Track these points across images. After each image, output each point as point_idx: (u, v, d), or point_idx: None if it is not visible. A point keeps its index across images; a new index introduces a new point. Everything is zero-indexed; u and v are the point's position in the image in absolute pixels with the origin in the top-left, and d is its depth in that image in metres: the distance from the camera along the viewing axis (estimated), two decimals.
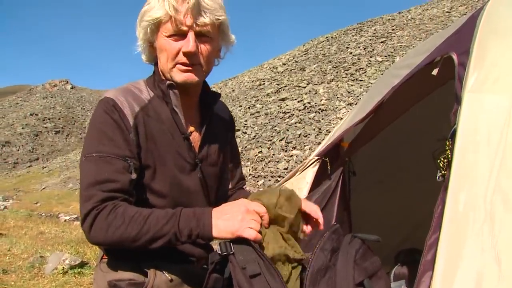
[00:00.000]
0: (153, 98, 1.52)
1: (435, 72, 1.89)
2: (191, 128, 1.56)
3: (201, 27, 1.42)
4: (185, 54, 1.43)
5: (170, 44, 1.43)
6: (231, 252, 1.26)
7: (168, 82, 1.49)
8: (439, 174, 1.49)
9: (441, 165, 1.49)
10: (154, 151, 1.46)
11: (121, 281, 1.46)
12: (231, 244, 1.27)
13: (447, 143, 1.47)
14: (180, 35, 1.42)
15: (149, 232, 1.30)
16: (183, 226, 1.30)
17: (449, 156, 1.44)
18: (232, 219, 1.29)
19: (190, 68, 1.46)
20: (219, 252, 1.27)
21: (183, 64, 1.45)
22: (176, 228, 1.30)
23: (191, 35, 1.42)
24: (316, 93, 20.03)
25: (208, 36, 1.46)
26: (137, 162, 1.42)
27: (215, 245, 1.38)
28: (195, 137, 1.57)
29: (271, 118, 18.74)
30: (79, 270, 5.11)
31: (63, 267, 5.04)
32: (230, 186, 1.83)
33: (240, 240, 1.28)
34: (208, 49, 1.47)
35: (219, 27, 1.50)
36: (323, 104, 18.39)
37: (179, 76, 1.46)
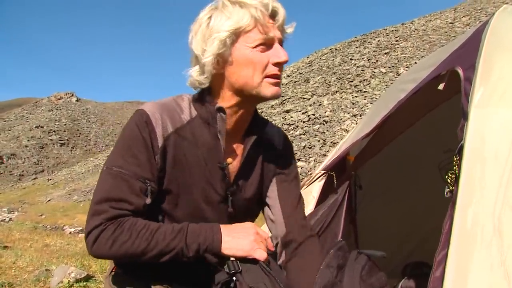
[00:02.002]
0: (195, 118, 1.42)
1: (441, 86, 1.89)
2: (229, 160, 1.44)
3: (285, 36, 1.37)
4: (277, 64, 1.34)
5: (258, 55, 1.32)
6: (239, 271, 1.26)
7: (217, 105, 1.38)
8: (447, 190, 1.49)
9: (448, 180, 1.48)
10: (180, 177, 1.38)
11: None
12: (239, 263, 1.28)
13: (455, 159, 1.46)
14: (267, 45, 1.33)
15: (156, 247, 1.28)
16: (190, 241, 1.29)
17: (456, 171, 1.44)
18: (244, 238, 1.31)
19: (279, 80, 1.37)
20: (227, 270, 1.27)
21: (273, 76, 1.34)
22: (183, 243, 1.29)
23: (277, 45, 1.34)
24: (320, 104, 20.07)
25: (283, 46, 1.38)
26: (155, 186, 1.35)
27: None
28: (232, 167, 1.46)
29: None
30: (84, 283, 5.08)
31: (69, 281, 5.01)
32: (297, 237, 1.54)
33: (247, 260, 1.29)
34: None
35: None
36: (327, 116, 18.41)
37: (270, 90, 1.35)
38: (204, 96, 1.43)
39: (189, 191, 1.40)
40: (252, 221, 1.56)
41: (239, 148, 1.48)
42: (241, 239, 1.30)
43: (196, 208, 1.42)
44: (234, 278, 1.27)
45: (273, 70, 1.33)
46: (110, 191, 1.31)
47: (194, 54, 1.36)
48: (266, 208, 1.61)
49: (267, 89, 1.34)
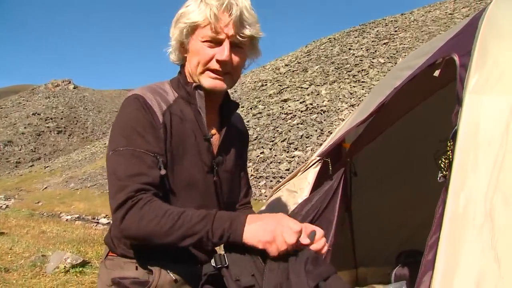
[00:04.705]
0: (178, 99, 1.54)
1: (437, 73, 1.89)
2: (213, 131, 1.59)
3: (239, 38, 1.46)
4: (218, 61, 1.46)
5: (204, 50, 1.46)
6: (225, 265, 1.25)
7: (195, 83, 1.51)
8: (440, 174, 1.49)
9: (442, 165, 1.49)
10: (176, 150, 1.47)
11: (125, 279, 1.46)
12: (225, 256, 1.27)
13: (448, 144, 1.47)
14: (216, 42, 1.45)
15: (182, 228, 1.27)
16: (216, 227, 1.27)
17: (450, 156, 1.45)
18: (264, 226, 1.26)
19: (220, 76, 1.49)
20: (213, 264, 1.27)
21: (213, 71, 1.48)
22: (209, 227, 1.27)
23: (226, 44, 1.45)
24: (318, 94, 20.05)
25: (241, 47, 1.50)
26: (165, 159, 1.42)
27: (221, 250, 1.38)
28: (214, 141, 1.58)
29: (273, 119, 18.77)
30: (80, 269, 5.12)
31: (65, 266, 5.05)
32: (245, 199, 1.84)
33: (240, 249, 1.26)
34: (239, 60, 1.51)
35: (252, 41, 1.54)
36: (325, 105, 18.41)
37: (208, 81, 1.49)
38: (180, 78, 1.58)
39: (183, 162, 1.49)
40: (235, 195, 1.75)
41: (216, 124, 1.62)
42: (260, 227, 1.26)
43: (190, 177, 1.51)
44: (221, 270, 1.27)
45: (214, 65, 1.48)
46: (126, 168, 1.35)
47: None
48: None
49: (206, 80, 1.50)
